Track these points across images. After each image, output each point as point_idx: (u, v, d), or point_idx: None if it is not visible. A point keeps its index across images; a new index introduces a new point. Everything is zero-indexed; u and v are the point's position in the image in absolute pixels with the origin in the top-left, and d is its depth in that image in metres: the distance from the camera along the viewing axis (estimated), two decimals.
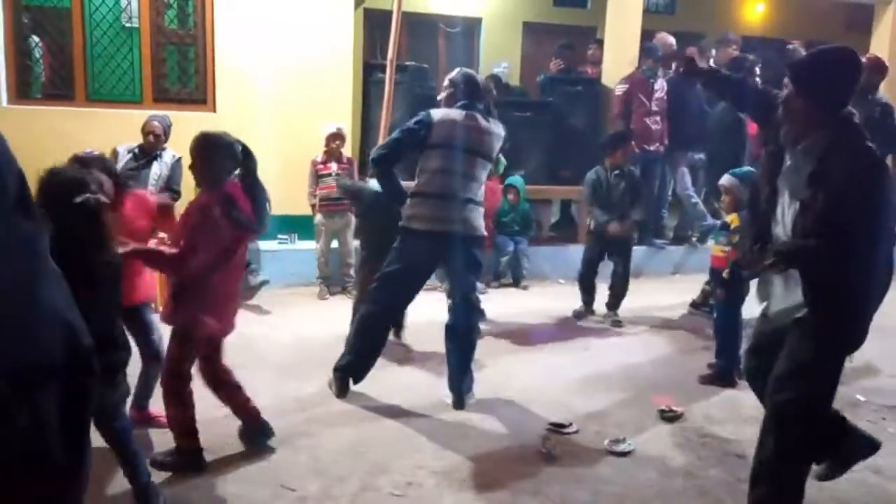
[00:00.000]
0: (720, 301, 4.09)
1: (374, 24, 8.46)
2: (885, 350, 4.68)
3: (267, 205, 2.87)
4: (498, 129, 3.56)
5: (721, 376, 4.05)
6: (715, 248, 4.18)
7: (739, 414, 3.64)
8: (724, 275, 3.98)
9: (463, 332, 3.55)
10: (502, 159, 4.95)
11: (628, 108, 6.29)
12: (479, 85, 3.56)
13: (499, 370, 4.12)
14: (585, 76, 7.11)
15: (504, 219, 6.05)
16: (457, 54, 9.59)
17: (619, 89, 6.35)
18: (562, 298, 5.66)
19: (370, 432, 3.29)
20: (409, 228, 3.48)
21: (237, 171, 2.84)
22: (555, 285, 6.26)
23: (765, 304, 2.65)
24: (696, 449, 3.27)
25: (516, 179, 6.06)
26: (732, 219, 4.01)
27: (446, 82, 3.61)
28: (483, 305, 4.64)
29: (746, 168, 4.31)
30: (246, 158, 2.84)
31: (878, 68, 4.90)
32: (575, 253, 6.38)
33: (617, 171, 5.03)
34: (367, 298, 3.66)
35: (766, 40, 8.79)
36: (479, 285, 5.69)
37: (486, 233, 3.60)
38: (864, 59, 4.63)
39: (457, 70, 3.62)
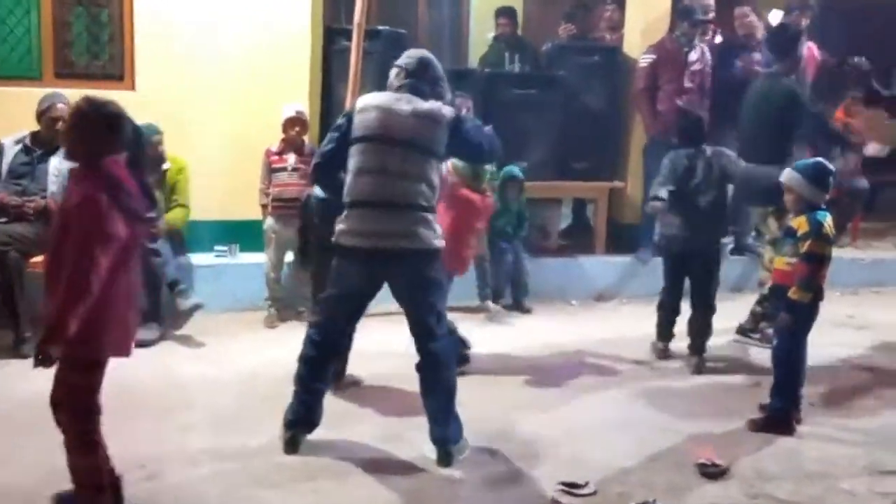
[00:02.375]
0: (785, 327, 4.07)
1: None
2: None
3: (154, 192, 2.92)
4: (439, 110, 3.51)
5: (777, 421, 4.04)
6: (778, 261, 4.16)
7: (800, 468, 3.65)
8: (791, 294, 3.97)
9: (431, 371, 3.54)
10: (488, 167, 4.88)
11: (655, 84, 6.33)
12: (432, 66, 3.62)
13: (497, 415, 4.10)
14: (602, 44, 7.15)
15: (497, 221, 6.04)
16: (442, 18, 9.62)
17: (645, 60, 6.40)
18: (575, 324, 5.66)
19: (333, 498, 3.25)
20: (338, 245, 3.53)
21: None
22: (565, 308, 6.25)
23: None
24: None
25: (514, 170, 6.00)
26: (799, 223, 4.01)
27: (394, 70, 3.65)
28: (466, 332, 4.67)
29: (813, 160, 4.29)
30: (136, 140, 2.85)
31: None
32: (591, 266, 6.44)
33: None
34: (306, 332, 3.70)
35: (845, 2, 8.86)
36: (492, 305, 5.75)
37: (439, 245, 3.51)
38: None
39: (408, 53, 3.70)
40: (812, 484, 3.51)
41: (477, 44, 8.67)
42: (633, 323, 5.85)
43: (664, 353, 5.08)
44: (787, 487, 3.47)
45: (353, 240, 3.46)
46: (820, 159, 4.26)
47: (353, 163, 3.50)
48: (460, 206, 4.56)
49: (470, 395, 4.14)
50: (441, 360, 3.56)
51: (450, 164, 4.43)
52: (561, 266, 6.51)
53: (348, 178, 3.52)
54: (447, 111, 3.55)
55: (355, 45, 4.80)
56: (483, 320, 5.75)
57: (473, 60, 8.35)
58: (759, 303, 5.40)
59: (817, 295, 4.00)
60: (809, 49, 7.12)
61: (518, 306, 6.06)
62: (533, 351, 5.15)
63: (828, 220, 3.99)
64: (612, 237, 6.77)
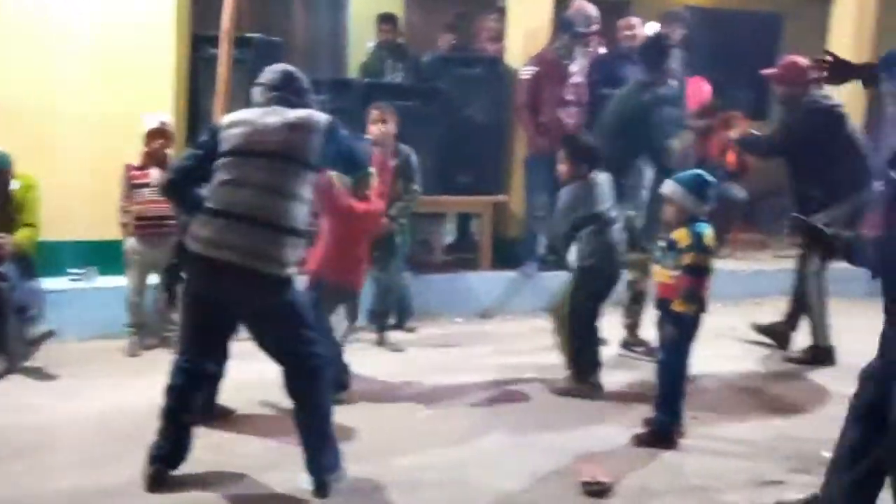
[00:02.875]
0: (670, 340, 4.22)
1: None
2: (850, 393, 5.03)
3: None
4: (311, 117, 3.50)
5: (661, 435, 4.18)
6: (660, 274, 4.27)
7: (683, 483, 3.78)
8: (675, 307, 4.13)
9: (303, 396, 3.51)
10: (370, 169, 4.83)
11: (537, 97, 6.49)
12: (297, 78, 3.65)
13: (378, 442, 4.09)
14: (484, 55, 7.28)
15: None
16: (319, 25, 9.58)
17: (526, 73, 6.54)
18: (459, 343, 5.71)
19: None
20: (190, 252, 3.46)
21: None
22: (450, 325, 6.31)
23: None
24: None
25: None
26: (680, 235, 4.14)
27: (257, 89, 3.65)
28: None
29: (693, 171, 4.46)
30: None
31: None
32: (475, 282, 6.52)
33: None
34: (173, 360, 3.62)
35: (717, 12, 9.32)
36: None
37: (290, 273, 3.42)
38: None
39: (269, 69, 3.70)
40: (695, 498, 3.65)
41: (356, 53, 8.69)
42: (519, 340, 5.97)
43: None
44: (669, 501, 3.59)
45: (200, 246, 3.38)
46: (700, 171, 4.45)
47: (217, 177, 3.44)
48: (346, 215, 4.50)
49: (349, 422, 4.15)
50: (313, 383, 3.51)
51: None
52: (445, 282, 6.57)
53: (211, 188, 3.44)
54: (321, 117, 3.53)
55: (224, 54, 4.74)
56: (366, 342, 5.74)
57: (353, 70, 8.36)
58: (629, 316, 5.61)
59: (700, 307, 4.17)
60: (697, 83, 7.49)
61: (401, 325, 6.07)
62: (415, 372, 5.17)
63: (708, 232, 4.16)
64: (497, 252, 6.88)
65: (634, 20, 6.93)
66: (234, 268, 3.33)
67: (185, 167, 3.59)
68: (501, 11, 7.34)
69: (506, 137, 7.00)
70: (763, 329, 6.13)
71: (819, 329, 5.68)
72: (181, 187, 3.60)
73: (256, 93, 3.65)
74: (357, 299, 4.72)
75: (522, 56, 6.73)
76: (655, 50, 5.91)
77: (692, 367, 4.32)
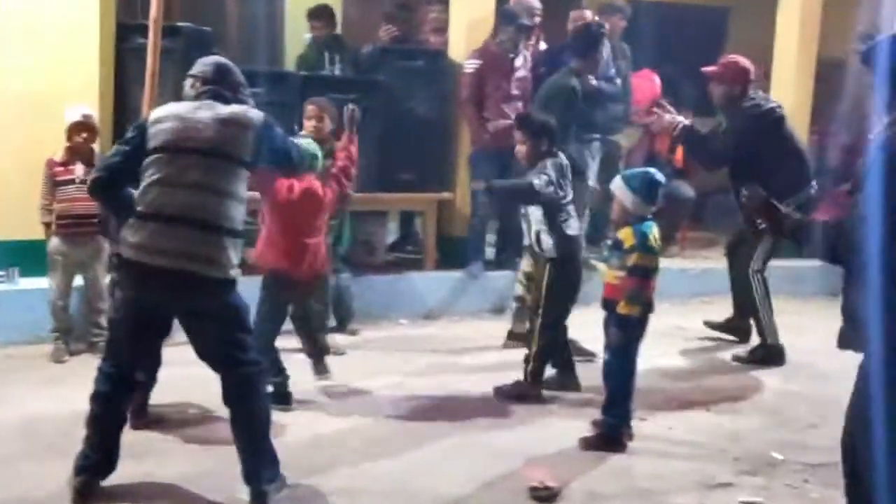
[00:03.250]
0: (616, 342, 4.28)
1: None
2: (805, 393, 5.16)
3: None
4: (245, 114, 3.49)
5: (609, 438, 4.24)
6: (607, 274, 4.34)
7: (631, 486, 3.84)
8: (620, 309, 4.18)
9: (239, 402, 3.48)
10: (312, 146, 4.63)
11: (481, 92, 6.54)
12: (231, 71, 3.63)
13: (320, 449, 4.07)
14: (427, 47, 7.29)
15: None
16: (253, 15, 9.48)
17: (470, 66, 6.58)
18: (403, 345, 5.71)
19: None
20: (122, 258, 3.45)
21: None
22: (394, 327, 6.30)
23: None
24: None
25: None
26: (625, 235, 4.19)
27: (188, 81, 3.62)
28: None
29: (642, 169, 4.54)
30: None
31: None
32: (419, 283, 6.53)
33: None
34: (99, 366, 3.57)
35: (663, 5, 9.45)
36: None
37: (234, 275, 3.40)
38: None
39: (201, 61, 3.67)
40: (644, 501, 3.71)
41: (293, 44, 8.61)
42: (465, 342, 6.00)
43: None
44: None
45: (132, 252, 3.34)
46: (648, 169, 4.52)
47: (146, 175, 3.39)
48: (285, 197, 4.40)
49: (290, 429, 4.15)
50: (250, 390, 3.48)
51: None
52: (388, 283, 6.56)
53: (141, 189, 3.40)
54: (255, 114, 3.51)
55: (152, 43, 4.66)
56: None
57: (290, 61, 8.30)
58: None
59: (647, 308, 4.24)
60: (646, 78, 7.59)
61: (342, 327, 6.04)
62: (358, 376, 5.14)
63: (654, 232, 4.22)
64: (442, 251, 6.90)
65: (587, 12, 7.00)
66: (168, 273, 3.29)
67: (112, 165, 3.53)
68: (444, 2, 7.35)
69: (450, 133, 7.02)
70: (718, 326, 6.25)
71: (767, 328, 5.81)
72: (108, 187, 3.54)
73: (187, 85, 3.61)
74: (319, 289, 4.67)
75: (466, 49, 6.75)
76: (586, 38, 6.02)
77: (640, 368, 4.37)
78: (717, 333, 6.29)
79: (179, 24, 6.24)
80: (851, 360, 5.72)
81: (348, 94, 6.51)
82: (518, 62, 6.63)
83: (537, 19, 6.65)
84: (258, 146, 3.48)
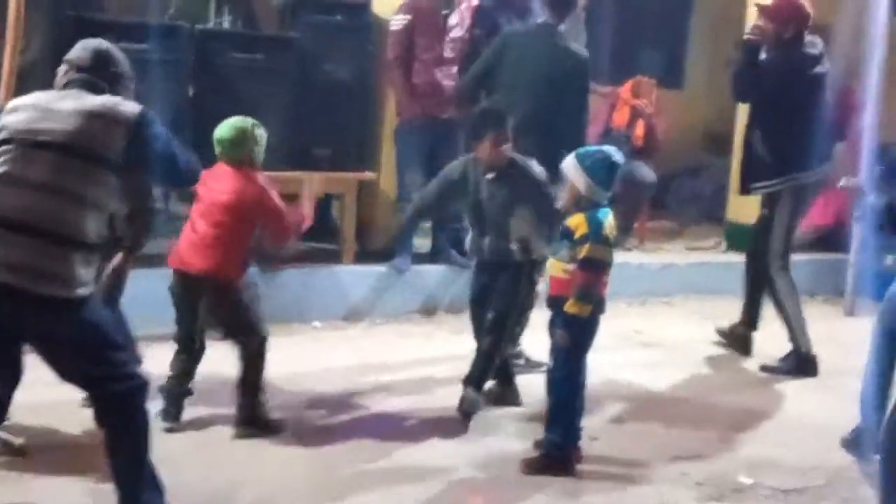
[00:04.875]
0: (562, 347, 4.28)
1: None
2: (776, 408, 5.26)
3: None
4: (116, 106, 3.37)
5: (554, 460, 4.24)
6: (554, 268, 4.30)
7: None
8: (568, 308, 4.18)
9: (114, 423, 3.40)
10: (256, 133, 4.54)
11: (410, 53, 6.51)
12: (113, 60, 3.55)
13: (214, 475, 4.02)
14: (347, 1, 7.23)
15: None
16: None
17: (397, 23, 6.55)
18: (318, 353, 5.66)
19: None
20: None
21: None
22: (306, 331, 6.24)
23: None
24: None
25: None
26: (577, 223, 4.18)
27: (62, 67, 3.53)
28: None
29: (597, 147, 4.51)
30: None
31: None
32: (337, 279, 6.47)
33: (492, 174, 4.83)
34: None
35: None
36: None
37: (84, 293, 3.28)
38: None
39: (81, 44, 3.57)
40: None
41: None
42: (389, 348, 5.97)
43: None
44: None
45: None
46: (605, 147, 4.51)
47: None
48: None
49: (181, 451, 4.10)
50: (126, 408, 3.41)
51: None
52: (299, 279, 6.49)
53: None
54: (128, 108, 3.38)
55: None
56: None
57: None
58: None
59: (597, 308, 4.25)
60: None
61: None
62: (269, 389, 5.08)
63: (609, 220, 4.22)
64: (363, 242, 6.86)
65: None
66: (7, 289, 3.17)
67: None
68: None
69: (373, 101, 6.98)
70: (723, 334, 6.32)
71: (798, 333, 5.94)
72: None
73: (60, 72, 3.52)
74: (219, 295, 4.56)
75: (394, 3, 6.71)
76: None
77: (590, 379, 4.39)
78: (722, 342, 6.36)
79: None
80: (824, 371, 5.91)
81: (252, 54, 6.44)
82: (453, 20, 6.62)
83: None
84: (130, 146, 3.34)
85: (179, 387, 4.48)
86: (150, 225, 4.02)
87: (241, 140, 4.48)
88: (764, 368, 6.02)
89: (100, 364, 3.35)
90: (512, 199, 4.72)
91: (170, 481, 3.48)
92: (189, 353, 4.52)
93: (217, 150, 4.53)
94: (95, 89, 3.42)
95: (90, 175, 3.28)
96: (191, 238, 4.50)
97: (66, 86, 3.45)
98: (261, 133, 4.55)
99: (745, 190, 6.20)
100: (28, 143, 3.25)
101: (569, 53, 5.78)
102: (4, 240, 3.17)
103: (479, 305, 5.01)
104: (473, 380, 4.85)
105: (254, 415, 4.47)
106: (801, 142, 5.84)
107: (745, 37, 6.10)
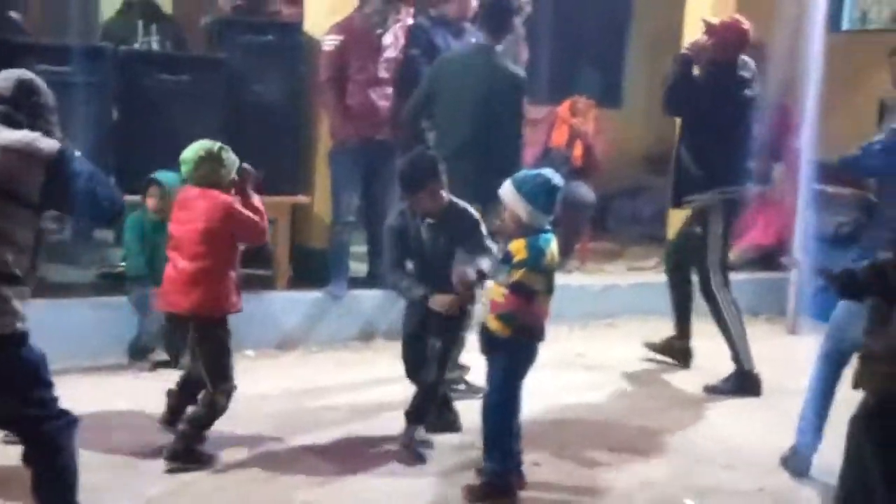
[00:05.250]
0: (495, 372, 4.33)
1: None
2: (720, 431, 5.34)
3: None
4: (33, 142, 3.34)
5: (494, 487, 4.26)
6: (494, 292, 4.32)
7: None
8: (489, 323, 4.25)
9: (44, 460, 3.40)
10: (221, 155, 4.58)
11: (344, 74, 6.52)
12: (36, 92, 3.52)
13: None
14: (278, 20, 7.24)
15: (134, 258, 5.94)
16: None
17: (330, 43, 6.56)
18: (250, 383, 5.62)
19: None
20: None
21: None
22: (238, 361, 6.17)
23: None
24: None
25: (167, 177, 5.90)
26: (517, 248, 4.22)
27: None
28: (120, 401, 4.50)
29: (536, 171, 4.51)
30: None
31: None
32: (270, 305, 6.45)
33: (432, 220, 4.82)
34: None
35: None
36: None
37: (21, 327, 3.27)
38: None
39: (3, 74, 3.55)
40: None
41: (110, 13, 8.43)
42: (326, 375, 5.97)
43: None
44: None
45: None
46: (543, 171, 4.55)
47: None
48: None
49: (104, 485, 4.07)
50: (55, 446, 3.40)
51: None
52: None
53: None
54: (46, 144, 3.36)
55: None
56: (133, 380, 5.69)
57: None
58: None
59: (533, 334, 4.31)
60: None
61: (174, 363, 5.90)
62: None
63: (552, 248, 4.27)
64: (297, 267, 6.84)
65: None
66: None
67: None
68: None
69: (306, 123, 6.98)
70: (658, 347, 6.41)
71: (741, 352, 6.07)
72: None
73: None
74: (205, 332, 4.57)
75: (326, 22, 6.73)
76: (499, 9, 6.04)
77: (532, 403, 4.43)
78: (658, 357, 6.47)
79: None
80: (767, 390, 6.00)
81: (179, 75, 6.42)
82: (387, 40, 6.64)
83: None
84: (48, 184, 3.33)
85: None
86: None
87: (204, 160, 4.48)
88: (707, 389, 6.11)
89: (33, 402, 3.36)
90: (452, 241, 4.74)
91: None
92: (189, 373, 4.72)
93: (182, 171, 4.55)
94: (14, 123, 3.39)
95: (7, 212, 3.27)
96: (172, 277, 4.53)
97: None
98: (228, 156, 4.58)
99: (676, 203, 6.37)
100: None
101: (506, 74, 5.89)
102: None
103: (418, 340, 4.96)
104: (418, 414, 4.85)
105: (191, 448, 4.46)
106: (730, 158, 6.06)
107: (682, 51, 6.26)
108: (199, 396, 4.52)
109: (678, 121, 6.36)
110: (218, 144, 4.61)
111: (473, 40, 6.25)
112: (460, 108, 5.76)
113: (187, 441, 4.45)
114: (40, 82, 3.58)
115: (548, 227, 4.32)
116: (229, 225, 4.48)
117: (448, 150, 5.44)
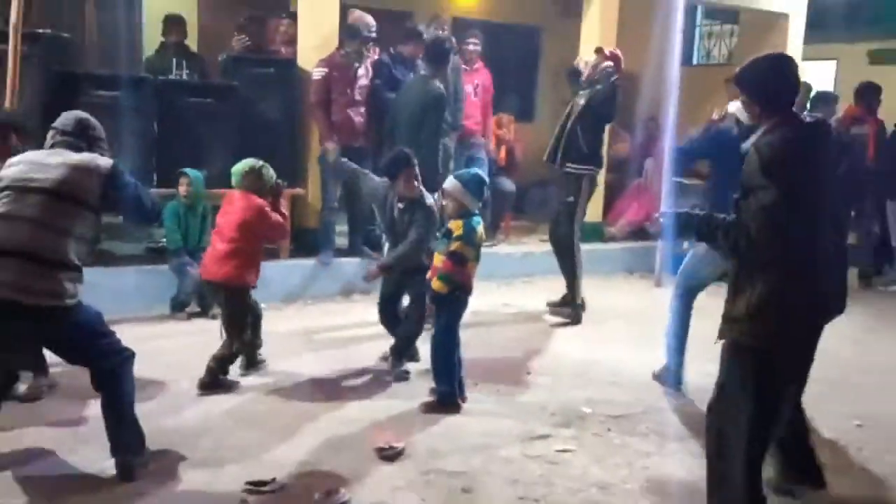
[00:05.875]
0: (437, 319, 4.36)
1: None
2: (607, 358, 5.41)
3: None
4: (93, 160, 3.35)
5: (444, 402, 4.32)
6: (437, 259, 4.39)
7: (465, 443, 3.93)
8: (433, 285, 4.28)
9: (110, 388, 3.41)
10: (262, 172, 4.55)
11: (328, 96, 6.48)
12: (90, 126, 3.50)
13: (181, 424, 3.98)
14: (278, 57, 7.15)
15: (169, 223, 5.85)
16: (112, 22, 9.02)
17: (318, 73, 6.50)
18: (267, 326, 5.59)
19: None
20: None
21: None
22: None
23: None
24: (420, 489, 3.45)
25: (193, 172, 5.88)
26: (456, 226, 4.28)
27: (49, 132, 3.47)
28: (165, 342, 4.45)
29: (471, 170, 4.62)
30: None
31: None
32: (277, 270, 6.40)
33: (402, 204, 4.75)
34: None
35: (480, 22, 9.63)
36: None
37: (70, 302, 3.23)
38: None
39: (64, 115, 3.51)
40: (476, 455, 3.80)
41: (150, 50, 8.25)
42: (317, 321, 5.96)
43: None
44: (455, 461, 3.72)
45: None
46: (474, 170, 4.61)
47: None
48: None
49: (153, 404, 4.04)
50: (113, 378, 3.40)
51: None
52: None
53: None
54: (103, 161, 3.37)
55: (12, 49, 4.40)
56: (173, 326, 5.62)
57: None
58: None
59: (465, 290, 4.36)
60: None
61: (205, 314, 5.87)
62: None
63: (481, 228, 4.35)
64: (296, 241, 6.80)
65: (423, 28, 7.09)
66: (11, 305, 3.12)
67: None
68: (293, 17, 7.23)
69: (300, 134, 6.89)
70: (556, 304, 6.42)
71: (577, 288, 6.20)
72: None
73: (49, 136, 3.46)
74: (232, 298, 4.51)
75: (313, 59, 6.66)
76: (438, 50, 6.13)
77: (472, 340, 4.46)
78: (557, 316, 6.38)
79: (39, 30, 5.88)
80: (638, 325, 6.09)
81: (204, 99, 6.34)
82: (360, 71, 6.61)
83: (374, 34, 6.66)
84: (105, 192, 3.34)
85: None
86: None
87: (248, 174, 4.52)
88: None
89: (96, 349, 3.37)
90: (410, 222, 4.70)
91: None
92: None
93: (233, 180, 4.56)
94: (76, 148, 3.39)
95: (74, 214, 3.27)
96: (212, 254, 4.53)
97: (52, 146, 3.41)
98: (267, 172, 4.59)
99: (553, 160, 6.22)
100: (23, 189, 3.22)
101: (434, 94, 6.00)
102: (7, 266, 3.13)
103: (391, 303, 4.97)
104: (398, 355, 4.85)
105: (216, 378, 4.45)
106: (600, 147, 6.29)
107: (574, 64, 6.49)
108: (221, 342, 4.48)
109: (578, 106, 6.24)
110: (260, 162, 4.62)
111: (422, 72, 6.25)
112: (405, 117, 5.97)
113: (213, 374, 4.43)
114: (93, 120, 3.55)
115: (477, 212, 4.37)
116: (259, 221, 4.47)
117: (399, 144, 5.51)
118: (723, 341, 3.05)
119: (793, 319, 2.94)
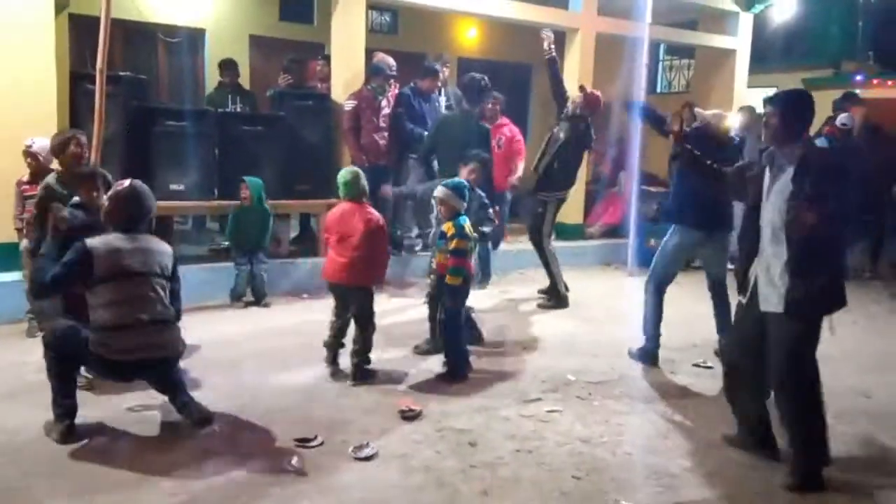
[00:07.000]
0: (447, 306, 4.37)
1: (81, 31, 7.68)
2: (588, 334, 5.41)
3: None
4: (164, 245, 3.58)
5: (454, 373, 4.34)
6: (438, 256, 4.42)
7: (471, 404, 3.95)
8: (447, 281, 4.29)
9: (170, 394, 3.59)
10: (360, 179, 4.26)
11: (358, 124, 6.51)
12: (143, 204, 3.54)
13: (240, 390, 4.01)
14: (315, 91, 7.19)
15: (238, 224, 5.85)
16: (180, 66, 9.10)
17: (348, 105, 6.54)
18: (308, 313, 5.64)
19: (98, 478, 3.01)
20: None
21: None
22: (298, 300, 6.20)
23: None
24: (434, 443, 3.48)
25: (251, 179, 5.88)
26: (448, 227, 4.29)
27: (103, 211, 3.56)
28: (227, 326, 4.48)
29: (455, 179, 4.59)
30: None
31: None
32: (316, 266, 6.40)
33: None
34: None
35: (482, 61, 9.66)
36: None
37: (182, 349, 3.57)
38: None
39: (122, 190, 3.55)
40: (480, 415, 3.83)
41: (211, 89, 8.31)
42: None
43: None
44: (463, 420, 3.75)
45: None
46: (458, 179, 4.60)
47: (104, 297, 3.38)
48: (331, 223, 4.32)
49: (215, 371, 4.07)
50: (175, 380, 3.58)
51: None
52: (292, 267, 6.45)
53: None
54: (167, 247, 3.59)
55: (99, 89, 4.43)
56: (232, 314, 5.61)
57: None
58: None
59: (467, 278, 4.37)
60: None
61: (259, 301, 5.91)
62: (273, 337, 5.03)
63: (467, 224, 4.34)
64: None
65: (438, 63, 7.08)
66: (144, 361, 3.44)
67: (57, 280, 3.35)
68: (327, 58, 7.28)
69: (334, 154, 6.91)
70: (544, 292, 6.41)
71: (559, 281, 6.18)
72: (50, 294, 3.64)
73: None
74: (363, 295, 4.28)
75: (344, 93, 6.70)
76: (475, 88, 6.19)
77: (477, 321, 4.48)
78: (544, 299, 6.36)
79: (121, 73, 5.95)
80: (614, 309, 6.06)
81: (255, 127, 6.38)
82: (384, 103, 6.64)
83: (395, 72, 6.69)
84: (174, 267, 3.61)
85: (335, 342, 4.35)
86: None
87: (355, 181, 4.25)
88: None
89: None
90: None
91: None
92: (342, 321, 4.33)
93: (341, 192, 4.26)
94: (145, 231, 3.56)
95: (163, 284, 3.51)
96: (338, 262, 4.21)
97: (128, 230, 3.49)
98: (363, 177, 4.30)
99: (538, 191, 6.22)
100: (132, 273, 3.40)
101: (479, 129, 6.04)
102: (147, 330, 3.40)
103: (433, 300, 4.62)
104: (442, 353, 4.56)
105: (364, 369, 4.28)
106: (577, 171, 6.23)
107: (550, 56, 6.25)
108: (354, 337, 4.28)
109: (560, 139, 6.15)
110: (355, 168, 4.44)
111: (448, 103, 6.30)
112: (452, 147, 5.69)
113: (360, 368, 4.26)
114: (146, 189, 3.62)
115: (463, 213, 4.36)
116: (380, 235, 4.26)
117: (447, 172, 5.43)
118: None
119: None
